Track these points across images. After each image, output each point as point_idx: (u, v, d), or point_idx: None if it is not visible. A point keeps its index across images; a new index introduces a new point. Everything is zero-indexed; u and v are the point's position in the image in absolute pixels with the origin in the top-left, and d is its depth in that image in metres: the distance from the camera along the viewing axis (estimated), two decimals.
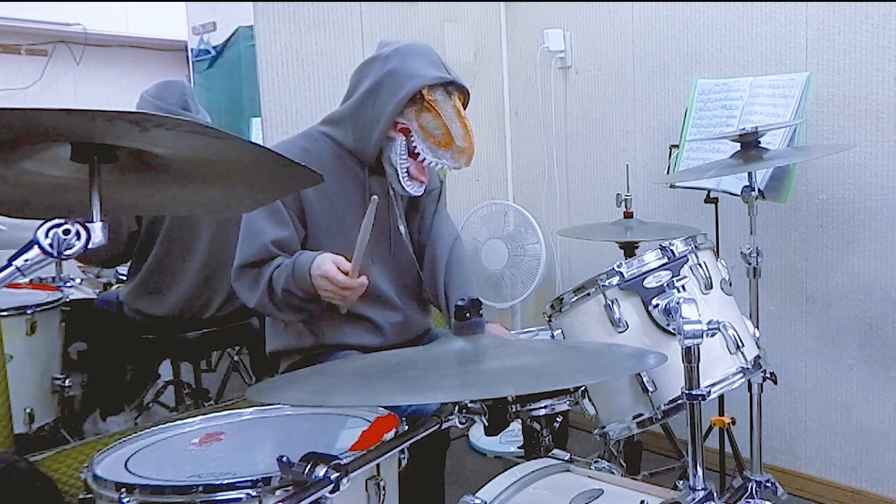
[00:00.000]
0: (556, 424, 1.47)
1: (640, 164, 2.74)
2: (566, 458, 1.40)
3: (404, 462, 1.29)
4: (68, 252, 0.75)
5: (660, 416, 1.26)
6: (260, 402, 1.21)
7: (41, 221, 0.75)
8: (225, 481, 1.07)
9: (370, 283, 1.56)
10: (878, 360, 2.24)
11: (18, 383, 1.92)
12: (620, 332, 1.27)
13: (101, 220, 0.77)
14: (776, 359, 2.42)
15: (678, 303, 1.12)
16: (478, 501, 1.19)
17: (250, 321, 2.29)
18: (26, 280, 2.03)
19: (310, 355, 1.73)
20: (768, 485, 1.95)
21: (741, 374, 1.29)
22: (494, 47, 3.18)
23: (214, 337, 2.27)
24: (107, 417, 2.15)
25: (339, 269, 1.50)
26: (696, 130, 2.27)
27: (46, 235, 0.75)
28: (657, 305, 1.24)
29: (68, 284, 2.14)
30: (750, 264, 1.95)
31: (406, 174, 1.68)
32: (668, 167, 2.39)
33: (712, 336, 1.20)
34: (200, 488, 1.06)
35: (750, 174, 1.92)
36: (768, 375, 1.81)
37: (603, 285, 1.27)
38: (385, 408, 1.36)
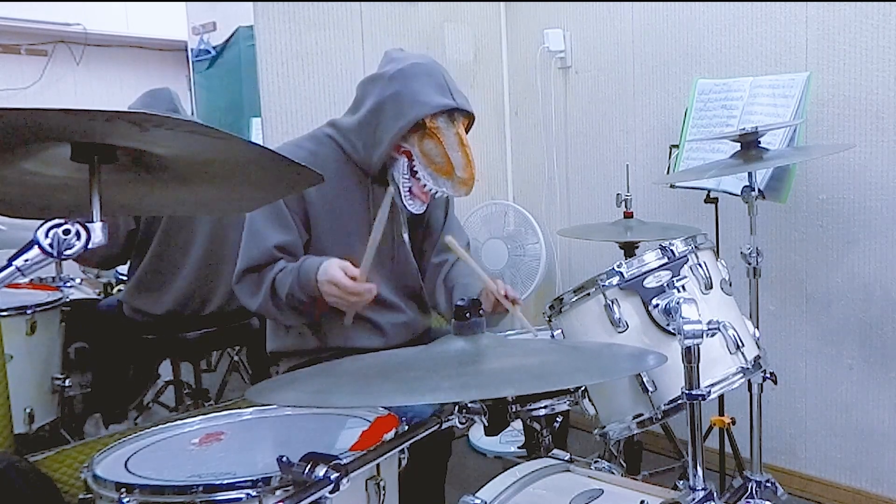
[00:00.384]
0: (556, 424, 1.47)
1: (640, 164, 2.74)
2: (566, 458, 1.40)
3: (404, 462, 1.29)
4: (68, 252, 0.75)
5: (660, 416, 1.26)
6: (260, 403, 1.21)
7: (41, 221, 0.75)
8: (225, 481, 1.07)
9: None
10: (878, 360, 2.24)
11: (18, 383, 1.92)
12: (620, 332, 1.27)
13: (101, 220, 0.77)
14: (776, 359, 2.42)
15: (678, 303, 1.12)
16: (478, 501, 1.19)
17: (250, 321, 2.29)
18: (26, 280, 2.03)
19: (311, 358, 1.72)
20: (768, 485, 1.95)
21: (741, 374, 1.29)
22: (494, 47, 3.18)
23: (214, 337, 2.27)
24: (109, 426, 2.15)
25: (346, 274, 1.50)
26: (696, 130, 2.27)
27: (46, 235, 0.75)
28: (657, 305, 1.24)
29: (68, 284, 2.14)
30: (750, 264, 1.95)
31: (408, 192, 1.68)
32: (668, 167, 2.39)
33: (712, 336, 1.20)
34: (200, 488, 1.06)
35: (750, 174, 1.91)
36: (768, 375, 1.80)
37: (603, 285, 1.27)
38: (385, 408, 1.36)
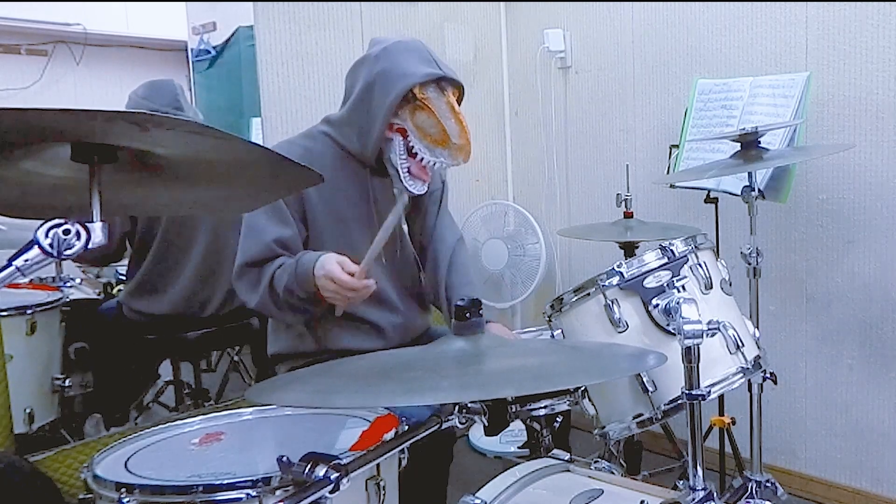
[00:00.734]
0: (557, 424, 1.47)
1: (640, 164, 2.74)
2: (566, 458, 1.40)
3: (404, 462, 1.29)
4: (68, 252, 0.75)
5: (660, 416, 1.26)
6: (260, 403, 1.21)
7: (41, 221, 0.75)
8: (225, 481, 1.07)
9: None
10: (878, 360, 2.24)
11: (18, 383, 1.92)
12: (620, 332, 1.27)
13: (101, 220, 0.77)
14: (776, 359, 2.42)
15: (678, 303, 1.12)
16: (478, 501, 1.19)
17: (250, 321, 2.29)
18: (26, 280, 2.03)
19: (311, 361, 1.72)
20: (768, 485, 1.95)
21: (741, 374, 1.29)
22: (494, 47, 3.18)
23: (214, 337, 2.26)
24: (110, 428, 2.15)
25: (343, 269, 1.50)
26: (696, 130, 2.27)
27: (46, 235, 0.75)
28: (657, 305, 1.24)
29: (68, 284, 2.14)
30: (750, 264, 1.95)
31: (407, 173, 1.67)
32: (668, 167, 2.39)
33: (712, 336, 1.20)
34: (200, 488, 1.06)
35: (750, 174, 1.92)
36: (768, 375, 1.81)
37: (603, 285, 1.27)
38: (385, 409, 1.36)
